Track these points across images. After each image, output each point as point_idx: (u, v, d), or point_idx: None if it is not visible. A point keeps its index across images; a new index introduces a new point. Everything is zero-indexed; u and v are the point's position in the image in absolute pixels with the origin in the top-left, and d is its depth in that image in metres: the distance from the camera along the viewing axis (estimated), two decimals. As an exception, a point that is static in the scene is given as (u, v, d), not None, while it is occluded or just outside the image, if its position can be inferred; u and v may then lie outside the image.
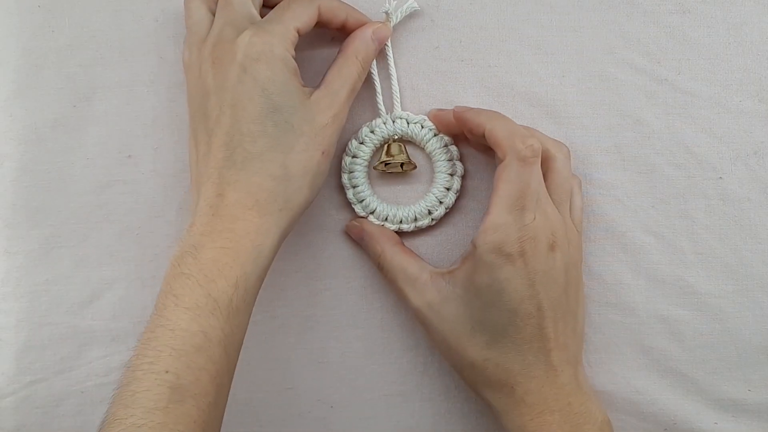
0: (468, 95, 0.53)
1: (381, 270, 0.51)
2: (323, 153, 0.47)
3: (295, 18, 0.47)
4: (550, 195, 0.48)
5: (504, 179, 0.46)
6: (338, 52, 0.50)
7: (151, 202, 0.53)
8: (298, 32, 0.47)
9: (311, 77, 0.53)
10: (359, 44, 0.50)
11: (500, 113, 0.49)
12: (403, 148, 0.53)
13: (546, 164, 0.48)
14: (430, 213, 0.53)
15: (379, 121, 0.53)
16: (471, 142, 0.52)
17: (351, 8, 0.51)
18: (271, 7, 0.49)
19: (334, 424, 0.54)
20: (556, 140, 0.50)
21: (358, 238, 0.53)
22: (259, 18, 0.48)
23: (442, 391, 0.54)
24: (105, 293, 0.53)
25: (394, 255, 0.51)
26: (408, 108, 0.53)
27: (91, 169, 0.53)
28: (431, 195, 0.52)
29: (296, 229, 0.53)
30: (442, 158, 0.53)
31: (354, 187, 0.53)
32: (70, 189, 0.53)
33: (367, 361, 0.54)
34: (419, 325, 0.51)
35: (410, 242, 0.53)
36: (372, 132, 0.53)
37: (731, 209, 0.53)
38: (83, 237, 0.53)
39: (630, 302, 0.53)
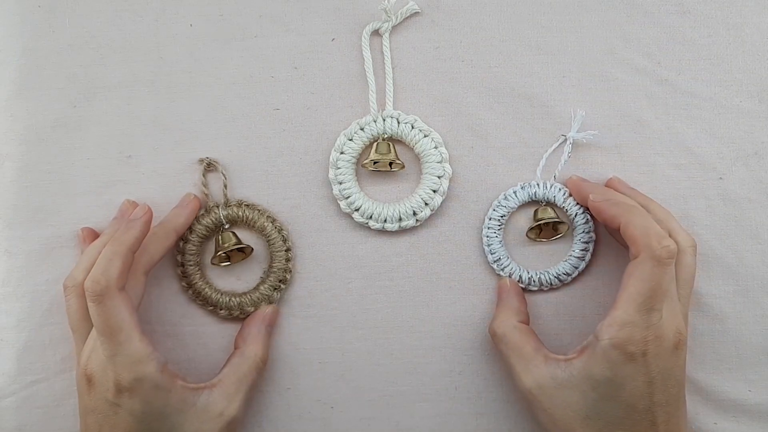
0: (468, 95, 0.53)
1: (494, 337, 0.51)
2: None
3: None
4: (677, 289, 0.47)
5: (636, 277, 0.45)
6: (236, 341, 0.52)
7: (151, 202, 0.53)
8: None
9: (315, 83, 0.53)
10: (252, 336, 0.51)
11: (636, 206, 0.48)
12: (392, 147, 0.53)
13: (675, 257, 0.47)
14: (415, 214, 0.53)
15: (369, 118, 0.53)
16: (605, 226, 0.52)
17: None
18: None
19: (334, 424, 0.54)
20: (686, 232, 0.49)
21: (498, 295, 0.53)
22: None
23: (442, 392, 0.54)
24: (105, 293, 0.53)
25: (513, 330, 0.50)
26: (407, 108, 0.53)
27: (91, 169, 0.53)
28: (417, 196, 0.52)
29: (297, 230, 0.53)
30: (431, 160, 0.52)
31: (340, 183, 0.53)
32: (71, 189, 0.53)
33: (367, 362, 0.54)
34: (526, 402, 0.50)
35: (393, 241, 0.54)
36: (362, 129, 0.53)
37: (732, 209, 0.53)
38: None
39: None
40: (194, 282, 0.53)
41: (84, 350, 0.48)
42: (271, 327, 0.53)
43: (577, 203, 0.52)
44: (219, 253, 0.52)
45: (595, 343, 0.46)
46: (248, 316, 0.53)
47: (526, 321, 0.51)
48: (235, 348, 0.52)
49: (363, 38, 0.53)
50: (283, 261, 0.53)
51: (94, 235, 0.52)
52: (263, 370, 0.51)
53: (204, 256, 0.54)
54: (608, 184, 0.52)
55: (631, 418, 0.45)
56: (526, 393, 0.48)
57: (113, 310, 0.45)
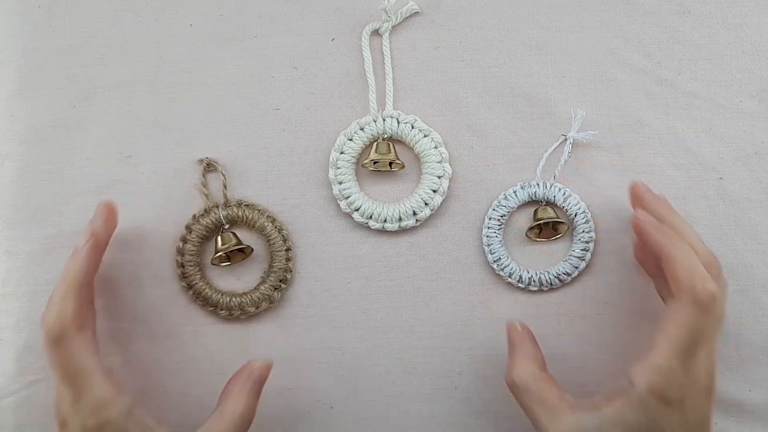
0: (468, 95, 0.53)
1: (513, 388, 0.47)
2: None
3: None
4: None
5: (677, 321, 0.43)
6: (220, 397, 0.48)
7: (151, 202, 0.53)
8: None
9: (315, 83, 0.53)
10: (236, 392, 0.47)
11: (680, 237, 0.45)
12: (392, 147, 0.53)
13: None
14: (415, 214, 0.53)
15: (369, 118, 0.53)
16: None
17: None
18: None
19: (334, 424, 0.54)
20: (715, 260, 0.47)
21: (508, 340, 0.50)
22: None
23: (442, 392, 0.54)
24: (105, 293, 0.53)
25: (534, 379, 0.47)
26: (407, 108, 0.53)
27: (91, 169, 0.53)
28: (417, 196, 0.52)
29: (297, 230, 0.53)
30: (431, 160, 0.52)
31: (340, 183, 0.53)
32: (71, 189, 0.53)
33: (367, 362, 0.54)
34: None
35: (393, 241, 0.53)
36: (361, 129, 0.53)
37: (732, 209, 0.53)
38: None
39: (631, 302, 0.53)
40: (194, 282, 0.53)
41: (57, 393, 0.45)
42: (260, 384, 0.49)
43: (578, 203, 0.52)
44: (219, 253, 0.52)
45: (630, 389, 0.43)
46: (235, 375, 0.49)
47: (544, 367, 0.48)
48: (218, 403, 0.48)
49: (363, 38, 0.53)
50: (284, 261, 0.53)
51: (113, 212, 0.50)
52: (246, 429, 0.47)
53: (204, 257, 0.54)
54: (633, 191, 0.50)
55: None
56: None
57: (72, 352, 0.43)
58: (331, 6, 0.54)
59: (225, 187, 0.53)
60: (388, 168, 0.53)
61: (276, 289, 0.53)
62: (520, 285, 0.53)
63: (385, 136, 0.53)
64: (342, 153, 0.53)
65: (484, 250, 0.53)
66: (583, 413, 0.44)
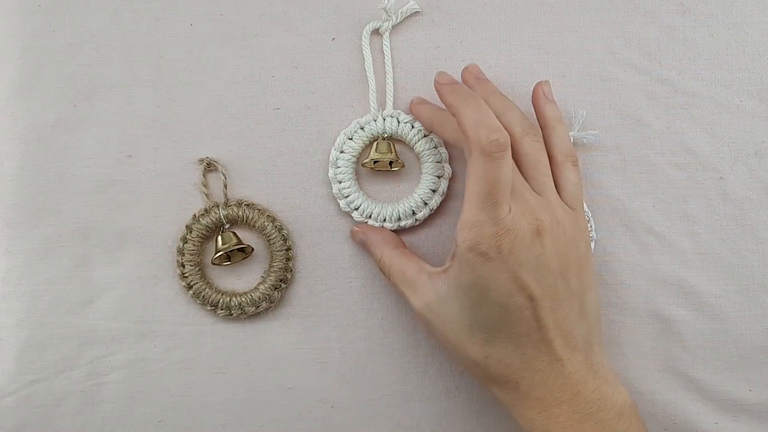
0: (468, 95, 0.53)
1: (384, 275, 0.50)
2: None
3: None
4: (526, 180, 0.47)
5: (473, 175, 0.44)
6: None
7: (151, 202, 0.53)
8: None
9: (316, 82, 0.53)
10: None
11: (474, 97, 0.46)
12: (392, 147, 0.53)
13: (514, 148, 0.47)
14: (414, 213, 0.53)
15: (369, 117, 0.53)
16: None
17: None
18: None
19: (334, 424, 0.54)
20: (526, 120, 0.48)
21: (359, 244, 0.53)
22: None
23: (442, 391, 0.54)
24: (105, 293, 0.53)
25: (393, 259, 0.49)
26: (407, 108, 0.53)
27: (91, 169, 0.53)
28: (416, 195, 0.52)
29: (297, 230, 0.53)
30: (431, 159, 0.53)
31: (340, 182, 0.53)
32: (71, 189, 0.53)
33: (367, 361, 0.54)
34: (422, 327, 0.51)
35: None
36: (362, 128, 0.53)
37: (732, 209, 0.53)
38: (83, 237, 0.53)
39: (630, 302, 0.53)
40: (194, 282, 0.53)
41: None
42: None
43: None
44: (219, 253, 0.52)
45: (455, 249, 0.45)
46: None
47: (403, 246, 0.51)
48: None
49: (363, 38, 0.53)
50: (284, 260, 0.53)
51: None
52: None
53: (204, 256, 0.54)
54: (464, 73, 0.51)
55: (507, 319, 0.44)
56: (419, 317, 0.47)
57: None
58: (331, 5, 0.54)
59: (225, 186, 0.53)
60: (388, 167, 0.53)
61: (276, 288, 0.53)
62: None
63: (385, 135, 0.53)
64: (342, 152, 0.53)
65: None
66: (437, 281, 0.46)
